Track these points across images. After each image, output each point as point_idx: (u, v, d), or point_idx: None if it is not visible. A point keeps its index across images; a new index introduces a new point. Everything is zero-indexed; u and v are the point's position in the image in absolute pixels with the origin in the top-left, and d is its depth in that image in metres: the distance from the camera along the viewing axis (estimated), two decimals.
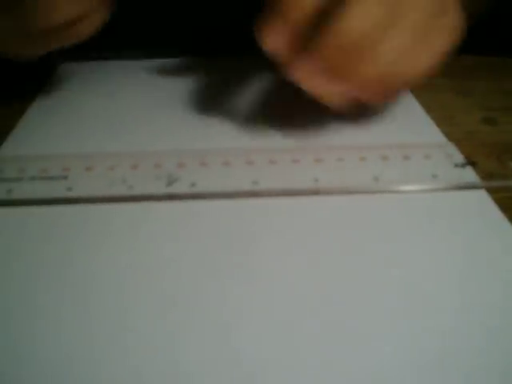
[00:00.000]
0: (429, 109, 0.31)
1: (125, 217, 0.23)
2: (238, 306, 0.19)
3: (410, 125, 0.29)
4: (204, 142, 0.28)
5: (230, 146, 0.26)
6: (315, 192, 0.24)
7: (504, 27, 0.39)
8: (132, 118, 0.31)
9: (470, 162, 0.25)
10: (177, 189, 0.24)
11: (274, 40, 0.23)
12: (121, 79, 0.36)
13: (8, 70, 0.38)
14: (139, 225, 0.22)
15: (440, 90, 0.33)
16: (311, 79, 0.23)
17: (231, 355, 0.17)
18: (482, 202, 0.24)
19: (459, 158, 0.26)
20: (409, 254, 0.21)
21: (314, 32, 0.22)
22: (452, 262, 0.21)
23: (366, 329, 0.18)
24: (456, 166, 0.25)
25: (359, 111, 0.27)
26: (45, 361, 0.17)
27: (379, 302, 0.19)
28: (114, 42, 0.42)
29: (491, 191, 0.24)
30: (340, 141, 0.28)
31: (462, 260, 0.21)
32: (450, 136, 0.28)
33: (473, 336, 0.18)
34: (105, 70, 0.37)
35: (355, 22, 0.22)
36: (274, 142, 0.27)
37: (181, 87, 0.31)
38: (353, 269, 0.20)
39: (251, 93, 0.32)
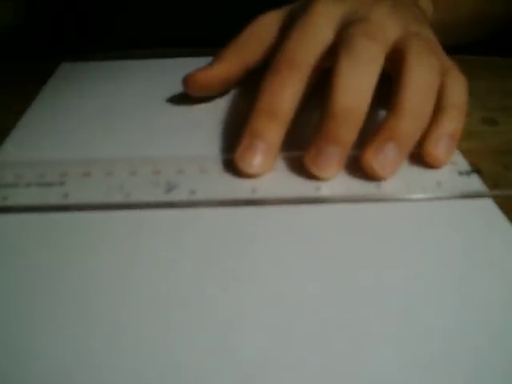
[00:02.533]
0: None
1: (122, 225, 0.22)
2: (236, 308, 0.19)
3: None
4: (204, 148, 0.27)
5: (229, 153, 0.26)
6: (317, 200, 0.23)
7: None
8: (131, 120, 0.30)
9: (476, 169, 0.25)
10: (176, 196, 0.23)
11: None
12: (121, 79, 0.35)
13: (8, 70, 0.38)
14: (137, 233, 0.22)
15: None
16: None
17: (230, 355, 0.17)
18: (488, 210, 0.23)
19: (464, 165, 0.25)
20: (410, 257, 0.21)
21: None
22: (456, 269, 0.20)
23: (365, 329, 0.18)
24: (461, 173, 0.25)
25: None
26: (44, 366, 0.17)
27: (379, 302, 0.19)
28: (114, 42, 0.42)
29: (497, 198, 0.24)
30: None
31: (466, 269, 0.20)
32: None
33: (473, 336, 0.18)
34: (105, 70, 0.37)
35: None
36: None
37: (181, 88, 0.31)
38: (353, 271, 0.20)
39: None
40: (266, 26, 0.30)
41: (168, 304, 0.19)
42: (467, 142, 0.27)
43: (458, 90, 0.26)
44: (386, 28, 0.25)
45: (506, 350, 0.17)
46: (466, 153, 0.26)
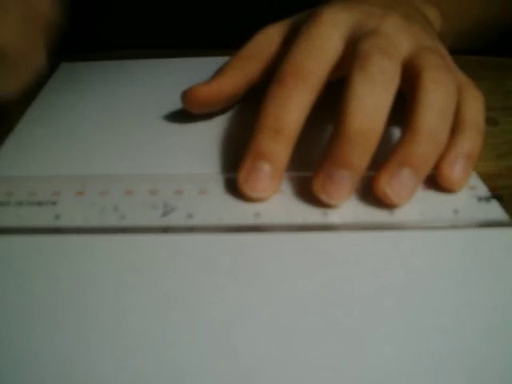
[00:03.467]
0: None
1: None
2: (236, 307, 0.19)
3: None
4: (205, 166, 0.26)
5: (231, 172, 0.24)
6: (324, 228, 0.22)
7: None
8: (129, 131, 0.29)
9: (496, 195, 0.23)
10: (172, 221, 0.22)
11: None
12: (121, 79, 0.34)
13: None
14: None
15: None
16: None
17: (230, 355, 0.17)
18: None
19: (483, 190, 0.24)
20: (405, 254, 0.21)
21: None
22: (456, 270, 0.20)
23: (365, 329, 0.18)
24: (480, 199, 0.23)
25: None
26: (43, 368, 0.17)
27: (379, 302, 0.19)
28: (114, 42, 0.40)
29: None
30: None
31: (467, 270, 0.20)
32: None
33: (473, 336, 0.17)
34: (105, 70, 0.36)
35: None
36: None
37: (182, 88, 0.29)
38: (351, 270, 0.20)
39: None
40: (270, 38, 0.28)
41: (167, 305, 0.19)
42: None
43: (475, 107, 0.24)
44: (399, 43, 0.24)
45: (505, 350, 0.17)
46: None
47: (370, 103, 0.21)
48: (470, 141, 0.23)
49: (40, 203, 0.23)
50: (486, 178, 0.24)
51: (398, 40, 0.24)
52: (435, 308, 0.19)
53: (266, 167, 0.22)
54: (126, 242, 0.21)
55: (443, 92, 0.22)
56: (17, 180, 0.24)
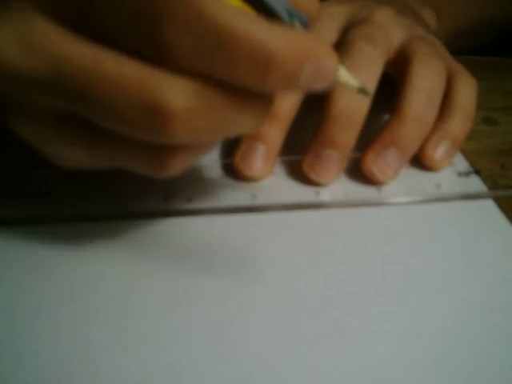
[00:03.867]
0: None
1: (119, 234, 0.22)
2: (237, 311, 0.19)
3: None
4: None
5: (228, 158, 0.25)
6: (317, 206, 0.23)
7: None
8: None
9: (475, 170, 0.25)
10: (173, 204, 0.23)
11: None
12: None
13: None
14: (134, 242, 0.22)
15: None
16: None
17: (230, 356, 0.17)
18: (488, 211, 0.23)
19: (463, 166, 0.25)
20: (410, 258, 0.21)
21: None
22: (456, 269, 0.20)
23: (365, 329, 0.18)
24: (460, 175, 0.25)
25: None
26: (45, 366, 0.17)
27: (379, 302, 0.19)
28: None
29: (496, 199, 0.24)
30: None
31: (466, 269, 0.20)
32: None
33: (473, 336, 0.18)
34: None
35: None
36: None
37: None
38: (352, 271, 0.20)
39: None
40: None
41: (167, 305, 0.19)
42: (467, 142, 0.26)
43: (466, 92, 0.25)
44: (390, 31, 0.25)
45: (505, 350, 0.17)
46: (466, 153, 0.26)
47: None
48: (458, 125, 0.24)
49: None
50: (485, 177, 0.25)
51: (389, 28, 0.25)
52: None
53: (261, 148, 0.24)
54: (129, 226, 0.22)
55: (431, 77, 0.24)
56: None
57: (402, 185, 0.24)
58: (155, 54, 0.14)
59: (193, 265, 0.20)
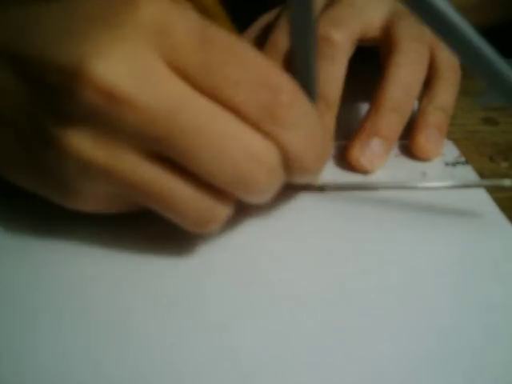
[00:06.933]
0: None
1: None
2: (236, 307, 0.19)
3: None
4: None
5: None
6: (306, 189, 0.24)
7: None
8: None
9: (462, 161, 0.25)
10: None
11: None
12: None
13: None
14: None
15: None
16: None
17: (229, 355, 0.17)
18: (478, 199, 0.23)
19: (451, 156, 0.26)
20: (405, 254, 0.21)
21: None
22: (455, 269, 0.21)
23: (365, 329, 0.18)
24: (447, 164, 0.25)
25: None
26: (45, 366, 0.17)
27: (378, 302, 0.19)
28: None
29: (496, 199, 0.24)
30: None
31: (465, 269, 0.21)
32: (450, 136, 0.28)
33: (473, 336, 0.18)
34: None
35: None
36: None
37: None
38: (351, 270, 0.20)
39: None
40: (263, 28, 0.31)
41: (167, 305, 0.19)
42: (467, 142, 0.27)
43: (449, 59, 0.26)
44: (367, 8, 0.25)
45: (504, 349, 0.17)
46: (466, 153, 0.27)
47: (321, 72, 0.23)
48: (445, 94, 0.25)
49: None
50: (485, 177, 0.25)
51: (364, 8, 0.26)
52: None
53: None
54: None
55: (412, 67, 0.25)
56: None
57: (389, 172, 0.25)
58: None
59: (193, 265, 0.20)
